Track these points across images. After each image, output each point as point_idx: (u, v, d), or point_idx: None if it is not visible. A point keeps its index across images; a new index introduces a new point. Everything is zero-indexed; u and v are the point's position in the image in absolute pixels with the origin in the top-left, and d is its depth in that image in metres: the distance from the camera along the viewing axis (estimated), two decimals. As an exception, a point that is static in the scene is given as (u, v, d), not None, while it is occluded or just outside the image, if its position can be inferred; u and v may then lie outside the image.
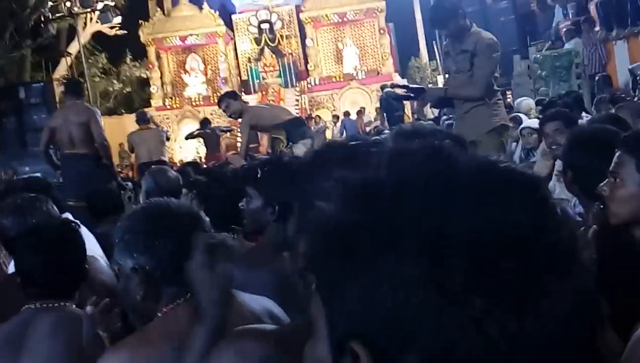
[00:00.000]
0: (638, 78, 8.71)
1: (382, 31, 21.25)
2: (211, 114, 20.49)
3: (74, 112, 6.36)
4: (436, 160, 0.57)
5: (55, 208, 2.77)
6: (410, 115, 16.68)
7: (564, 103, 5.89)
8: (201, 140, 12.86)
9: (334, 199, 0.59)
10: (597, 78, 8.98)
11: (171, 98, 20.92)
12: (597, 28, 10.24)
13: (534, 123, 5.83)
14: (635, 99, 7.66)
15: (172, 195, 4.11)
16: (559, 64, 8.53)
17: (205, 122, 12.43)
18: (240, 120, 6.89)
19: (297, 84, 21.08)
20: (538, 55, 8.90)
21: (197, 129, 12.57)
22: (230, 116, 7.04)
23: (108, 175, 6.29)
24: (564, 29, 11.00)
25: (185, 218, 1.61)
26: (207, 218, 1.76)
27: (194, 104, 20.59)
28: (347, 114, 17.82)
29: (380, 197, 0.55)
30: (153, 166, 4.70)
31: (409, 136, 1.90)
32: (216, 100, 22.05)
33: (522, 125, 6.01)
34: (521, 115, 6.52)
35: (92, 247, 2.88)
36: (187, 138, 12.80)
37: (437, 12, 4.61)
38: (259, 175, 2.78)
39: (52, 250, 2.01)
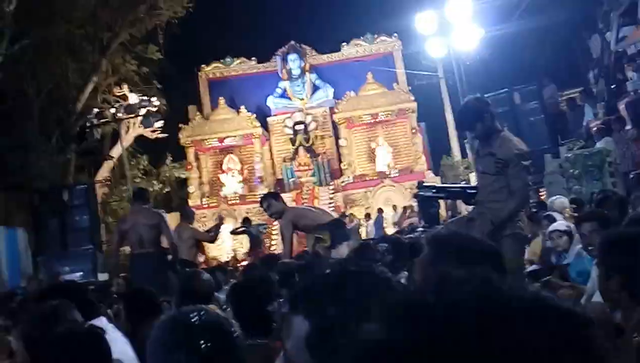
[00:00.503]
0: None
1: (414, 130, 21.67)
2: (247, 212, 20.89)
3: (144, 216, 7.11)
4: (487, 287, 0.60)
5: (79, 314, 2.82)
6: (445, 212, 16.69)
7: (617, 199, 5.72)
8: (244, 239, 13.20)
9: (380, 319, 0.60)
10: (631, 176, 8.95)
11: (208, 197, 21.38)
12: (628, 127, 10.32)
13: (563, 225, 5.80)
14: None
15: (205, 298, 4.18)
16: (591, 163, 8.54)
17: (246, 221, 12.82)
18: (280, 220, 7.01)
19: (332, 183, 21.40)
20: (569, 155, 8.96)
21: (241, 226, 12.94)
22: (270, 216, 7.20)
23: (172, 272, 6.58)
24: (595, 128, 11.10)
25: (204, 332, 1.62)
26: (237, 323, 1.79)
27: (229, 202, 20.98)
28: (380, 210, 17.95)
29: (431, 318, 0.57)
30: (187, 269, 4.78)
31: (444, 243, 1.95)
32: (251, 199, 22.46)
33: (550, 228, 5.97)
34: (555, 214, 6.52)
35: (122, 349, 2.92)
36: (232, 233, 13.20)
37: (463, 115, 4.77)
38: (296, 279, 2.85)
39: (77, 358, 2.05)
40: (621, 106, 10.72)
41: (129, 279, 7.65)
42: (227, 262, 16.18)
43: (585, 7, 15.53)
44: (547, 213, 6.70)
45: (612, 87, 11.98)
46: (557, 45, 16.65)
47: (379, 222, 17.46)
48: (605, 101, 11.99)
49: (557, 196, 7.52)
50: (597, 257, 2.75)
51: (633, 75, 10.55)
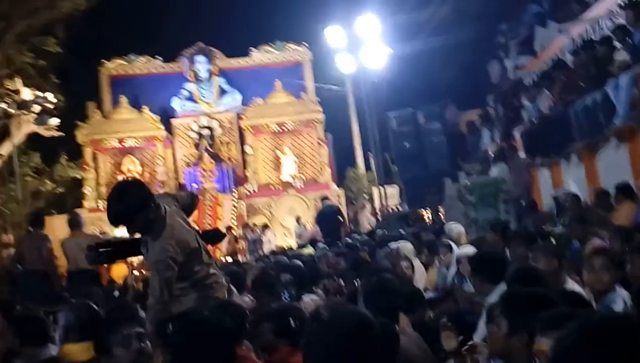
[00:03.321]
0: (563, 203, 9.14)
1: (320, 141, 21.80)
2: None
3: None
4: None
5: None
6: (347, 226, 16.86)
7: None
8: None
9: None
10: (522, 203, 9.39)
11: (105, 199, 20.52)
12: (522, 154, 10.83)
13: (470, 251, 5.96)
14: (559, 224, 8.02)
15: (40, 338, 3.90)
16: (487, 191, 8.90)
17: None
18: None
19: (235, 190, 21.13)
20: (467, 182, 9.30)
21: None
22: None
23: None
24: (491, 153, 11.58)
25: None
26: None
27: (128, 206, 20.25)
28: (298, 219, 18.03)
29: None
30: (74, 301, 4.48)
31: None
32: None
33: (458, 253, 6.15)
34: (452, 243, 6.71)
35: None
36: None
37: (120, 204, 3.63)
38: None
39: None
40: (516, 134, 11.24)
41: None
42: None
43: (486, 33, 16.22)
44: (444, 241, 6.88)
45: (510, 114, 12.57)
46: (459, 67, 17.25)
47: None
48: (502, 127, 12.55)
49: (454, 223, 7.76)
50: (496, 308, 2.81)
51: (528, 104, 11.09)
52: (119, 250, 4.09)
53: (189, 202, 4.20)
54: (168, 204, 3.88)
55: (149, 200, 3.68)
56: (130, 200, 3.63)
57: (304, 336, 1.99)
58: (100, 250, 4.00)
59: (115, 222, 3.74)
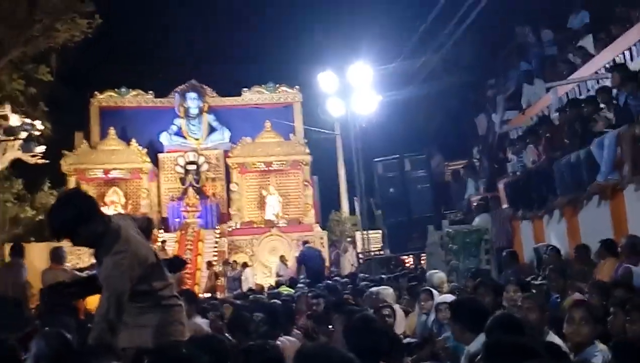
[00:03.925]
0: (543, 256, 9.18)
1: (305, 183, 21.89)
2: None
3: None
4: None
5: None
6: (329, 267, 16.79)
7: (492, 286, 5.77)
8: None
9: None
10: (504, 253, 9.41)
11: (86, 230, 20.31)
12: (505, 206, 10.92)
13: (449, 298, 5.94)
14: (539, 277, 8.03)
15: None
16: (469, 240, 8.94)
17: None
18: None
19: (218, 226, 21.04)
20: (450, 230, 9.34)
21: None
22: None
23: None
24: (474, 204, 11.68)
25: None
26: None
27: (109, 238, 20.03)
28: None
29: None
30: (46, 328, 4.39)
31: (312, 358, 1.90)
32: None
33: (438, 300, 6.11)
34: (433, 290, 6.69)
35: None
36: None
37: (61, 215, 3.31)
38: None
39: None
40: (500, 185, 11.35)
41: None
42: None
43: (474, 86, 16.53)
44: (425, 287, 6.86)
45: (495, 166, 12.73)
46: (446, 117, 17.54)
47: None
48: (487, 178, 12.69)
49: (436, 271, 7.75)
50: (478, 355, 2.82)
51: (513, 157, 11.25)
52: (69, 293, 3.84)
53: (145, 224, 3.94)
54: (123, 219, 3.69)
55: (93, 213, 3.38)
56: (72, 210, 3.32)
57: None
58: (45, 299, 3.73)
59: (56, 233, 3.37)
